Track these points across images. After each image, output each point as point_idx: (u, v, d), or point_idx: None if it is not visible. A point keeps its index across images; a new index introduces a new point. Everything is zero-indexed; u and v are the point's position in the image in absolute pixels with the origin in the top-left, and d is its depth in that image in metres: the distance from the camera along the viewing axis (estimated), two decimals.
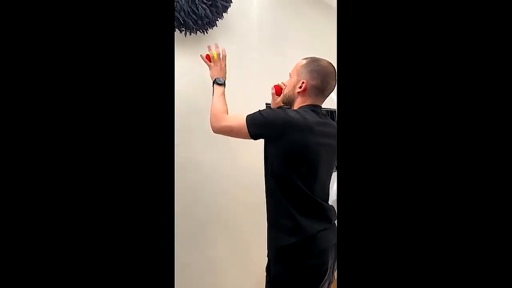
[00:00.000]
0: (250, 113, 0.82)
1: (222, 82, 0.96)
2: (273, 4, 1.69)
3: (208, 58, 1.00)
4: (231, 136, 0.88)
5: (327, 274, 0.81)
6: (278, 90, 1.06)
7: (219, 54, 0.99)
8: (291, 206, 0.79)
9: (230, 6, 1.26)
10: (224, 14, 1.27)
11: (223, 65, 0.99)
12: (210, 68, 1.00)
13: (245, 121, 0.80)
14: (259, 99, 1.64)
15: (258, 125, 0.79)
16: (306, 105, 0.86)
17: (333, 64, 0.85)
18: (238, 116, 0.84)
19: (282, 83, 1.04)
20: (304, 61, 0.88)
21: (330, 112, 1.87)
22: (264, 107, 1.69)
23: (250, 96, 1.58)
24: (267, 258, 0.87)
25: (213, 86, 0.96)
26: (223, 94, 0.94)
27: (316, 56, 0.88)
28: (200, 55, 1.01)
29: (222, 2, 1.20)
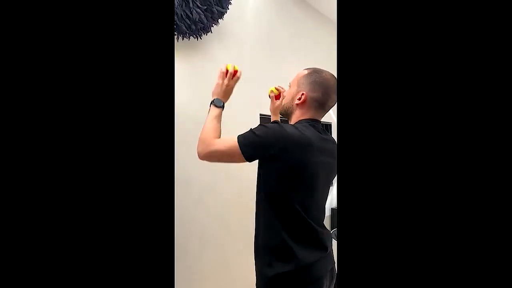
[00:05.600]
0: (242, 133, 0.72)
1: (221, 104, 0.83)
2: (270, 12, 1.65)
3: (227, 73, 0.85)
4: (222, 161, 0.76)
5: None
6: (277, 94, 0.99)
7: (232, 73, 0.85)
8: (285, 231, 0.71)
9: (226, 12, 1.21)
10: (220, 20, 1.22)
11: (230, 86, 0.85)
12: (216, 84, 0.85)
13: (237, 142, 0.70)
14: (253, 108, 1.58)
15: (253, 146, 0.69)
16: (305, 119, 0.79)
17: (335, 76, 0.78)
18: (228, 138, 0.72)
19: (280, 86, 0.96)
20: (306, 72, 0.81)
21: (325, 126, 1.83)
22: (258, 117, 1.63)
23: (244, 104, 1.52)
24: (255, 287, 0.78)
25: (210, 105, 0.83)
26: (218, 117, 0.80)
27: (317, 67, 0.82)
28: (220, 68, 0.86)
29: (218, 7, 1.15)
